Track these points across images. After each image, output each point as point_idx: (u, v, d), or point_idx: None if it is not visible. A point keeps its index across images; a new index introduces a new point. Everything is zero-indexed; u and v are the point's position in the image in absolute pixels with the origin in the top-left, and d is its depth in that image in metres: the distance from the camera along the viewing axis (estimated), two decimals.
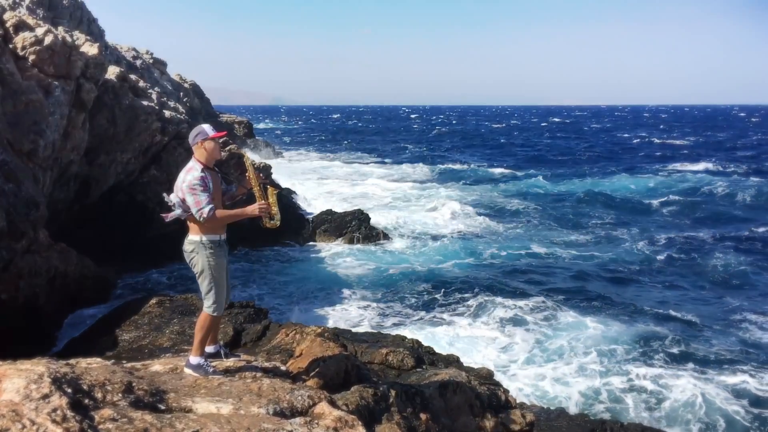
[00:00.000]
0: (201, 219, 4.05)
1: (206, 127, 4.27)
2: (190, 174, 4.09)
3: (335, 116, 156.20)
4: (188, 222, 4.23)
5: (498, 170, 37.47)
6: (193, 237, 4.19)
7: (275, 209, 4.36)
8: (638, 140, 61.47)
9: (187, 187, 4.04)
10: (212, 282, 4.21)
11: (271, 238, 17.57)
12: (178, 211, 4.15)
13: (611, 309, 12.77)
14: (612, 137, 67.19)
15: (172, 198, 4.16)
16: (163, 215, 4.22)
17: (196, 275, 4.26)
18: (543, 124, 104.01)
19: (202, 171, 4.11)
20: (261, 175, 4.58)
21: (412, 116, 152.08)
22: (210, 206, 4.04)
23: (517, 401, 6.52)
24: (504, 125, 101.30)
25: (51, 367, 3.23)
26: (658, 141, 60.97)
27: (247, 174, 4.42)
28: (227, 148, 16.07)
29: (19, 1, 14.40)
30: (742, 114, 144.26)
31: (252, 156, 20.35)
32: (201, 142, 4.18)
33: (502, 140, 65.03)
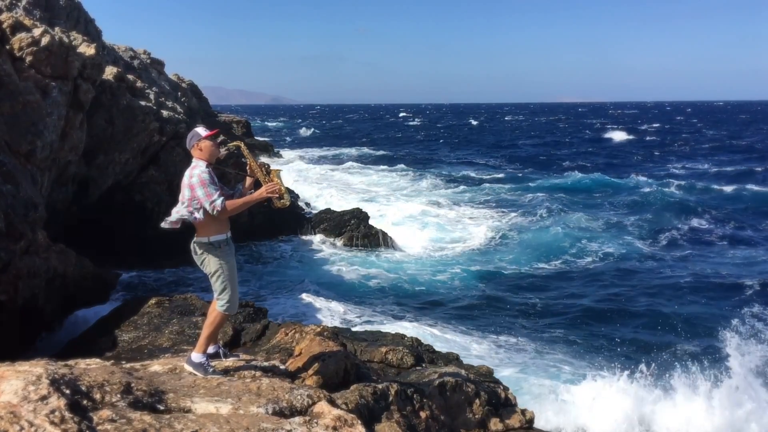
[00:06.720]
0: (214, 212, 4.11)
1: (199, 129, 4.36)
2: (196, 170, 4.20)
3: (333, 114, 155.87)
4: (194, 223, 4.27)
5: (495, 170, 37.44)
6: (201, 239, 4.24)
7: (283, 188, 4.39)
8: (637, 137, 61.45)
9: (197, 181, 4.12)
10: (226, 281, 4.26)
11: (270, 236, 17.54)
12: (183, 212, 4.18)
13: (613, 312, 12.66)
14: (612, 134, 67.04)
15: (174, 215, 4.23)
16: (169, 226, 4.26)
17: (209, 276, 4.29)
18: (536, 121, 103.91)
19: (207, 167, 4.22)
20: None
21: (402, 114, 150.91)
22: (221, 198, 4.14)
23: (517, 399, 6.51)
24: (499, 123, 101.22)
25: (49, 368, 3.23)
26: (660, 139, 60.97)
27: (248, 163, 4.46)
28: (225, 146, 16.03)
29: (16, 2, 14.37)
30: (739, 112, 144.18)
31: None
32: (196, 144, 4.28)
33: (498, 139, 64.93)
